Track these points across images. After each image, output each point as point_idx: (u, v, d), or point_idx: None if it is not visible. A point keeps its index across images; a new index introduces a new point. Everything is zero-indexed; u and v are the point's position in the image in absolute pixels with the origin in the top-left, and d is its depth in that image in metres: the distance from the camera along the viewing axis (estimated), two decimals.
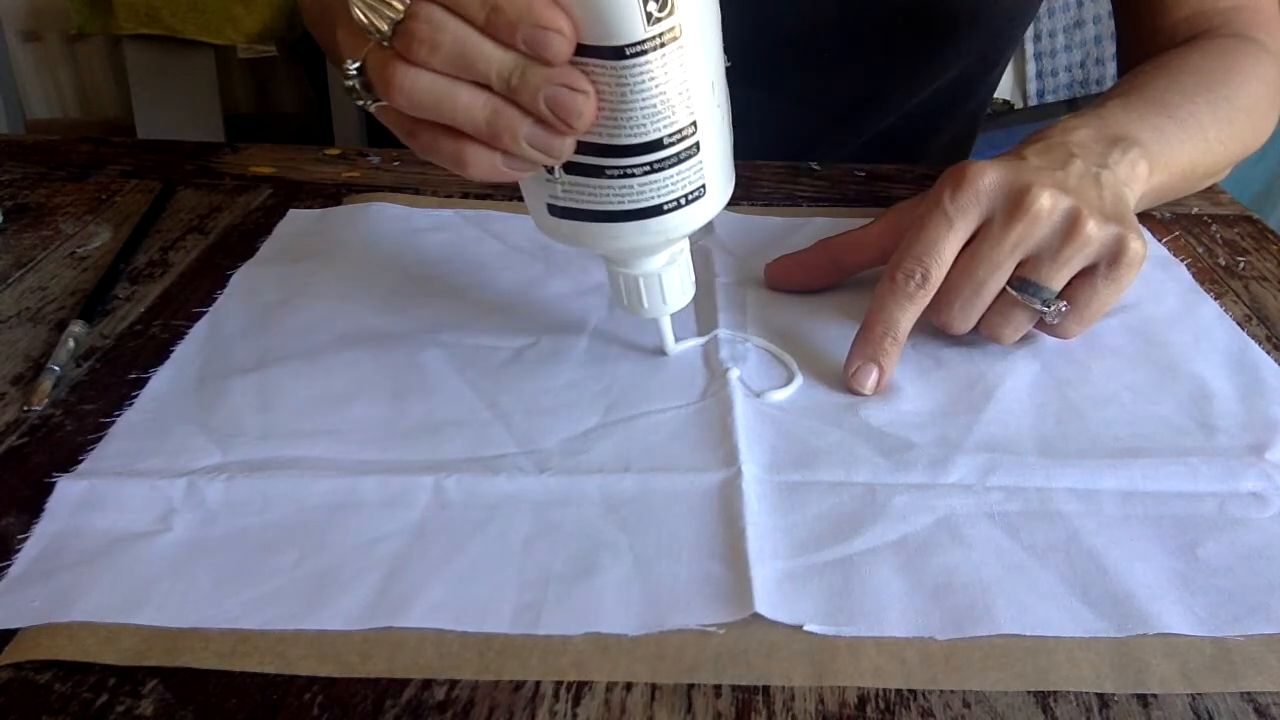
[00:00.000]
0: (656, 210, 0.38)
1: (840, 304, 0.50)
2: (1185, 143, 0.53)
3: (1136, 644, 0.32)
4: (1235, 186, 0.66)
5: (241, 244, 0.56)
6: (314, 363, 0.45)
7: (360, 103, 0.37)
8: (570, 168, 0.37)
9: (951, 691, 0.31)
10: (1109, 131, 0.48)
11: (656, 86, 0.34)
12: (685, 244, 0.43)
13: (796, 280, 0.51)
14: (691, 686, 0.31)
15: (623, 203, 0.37)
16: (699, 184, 0.38)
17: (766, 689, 0.31)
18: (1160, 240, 0.57)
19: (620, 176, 0.37)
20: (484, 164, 0.36)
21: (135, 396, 0.43)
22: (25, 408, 0.42)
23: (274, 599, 0.33)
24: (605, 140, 0.36)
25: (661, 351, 0.46)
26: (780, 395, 0.43)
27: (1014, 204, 0.42)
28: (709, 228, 0.53)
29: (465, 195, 0.61)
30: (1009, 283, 0.43)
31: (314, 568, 0.35)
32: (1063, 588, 0.34)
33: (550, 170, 0.37)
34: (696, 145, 0.37)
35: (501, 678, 0.31)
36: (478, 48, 0.33)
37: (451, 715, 0.30)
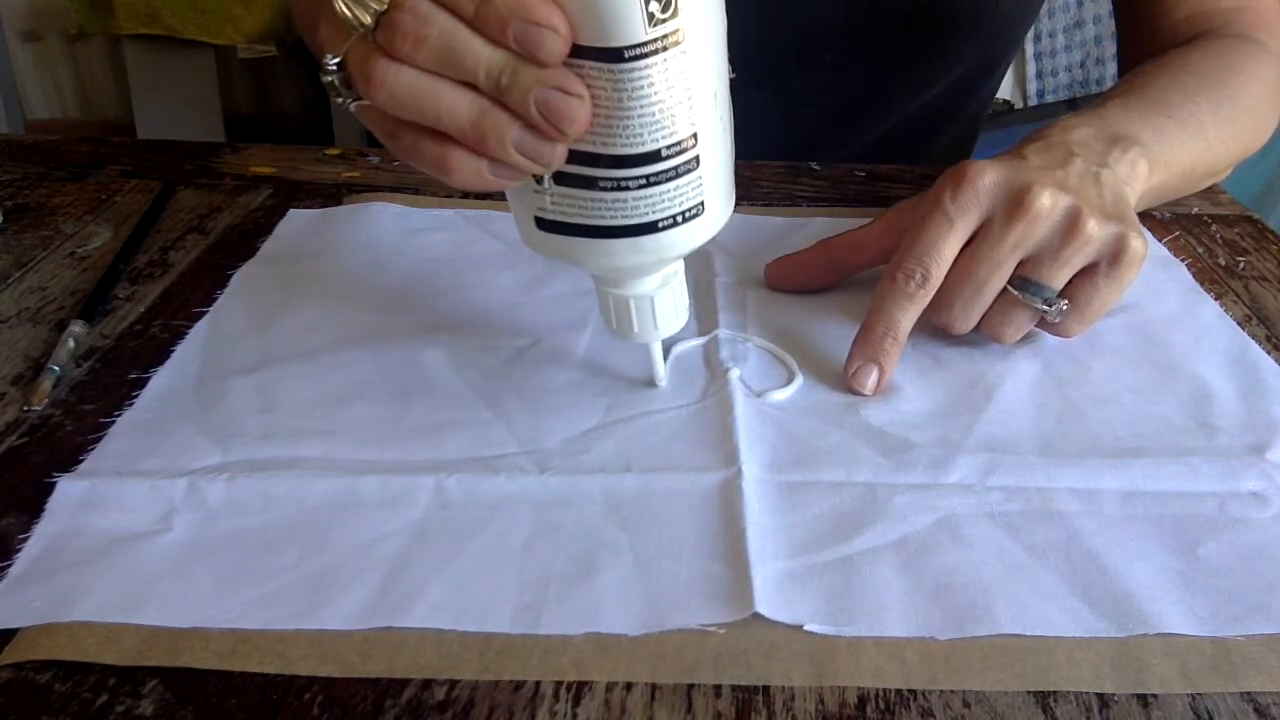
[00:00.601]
0: (651, 227, 0.35)
1: (840, 304, 0.50)
2: (1186, 142, 0.53)
3: (1137, 644, 0.32)
4: (1235, 186, 0.66)
5: (241, 244, 0.56)
6: (315, 362, 0.45)
7: (340, 100, 0.35)
8: (560, 178, 0.35)
9: (951, 691, 0.31)
10: (1109, 130, 0.48)
11: (656, 94, 0.32)
12: (680, 265, 0.40)
13: (796, 280, 0.51)
14: (691, 686, 0.31)
15: (615, 218, 0.35)
16: (697, 201, 0.36)
17: (766, 689, 0.31)
18: (1160, 240, 0.57)
19: (614, 189, 0.34)
20: (468, 170, 0.34)
21: (135, 396, 0.43)
22: (25, 408, 0.42)
23: (275, 599, 0.33)
24: (599, 149, 0.34)
25: (650, 382, 0.44)
26: (781, 395, 0.43)
27: (1014, 203, 0.42)
28: None
29: (465, 195, 0.61)
30: (1010, 282, 0.43)
31: (314, 568, 0.35)
32: (1063, 588, 0.34)
33: (539, 180, 0.35)
34: (696, 159, 0.35)
35: (501, 678, 0.31)
36: (466, 44, 0.32)
37: (451, 715, 0.30)
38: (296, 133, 2.17)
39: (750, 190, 0.63)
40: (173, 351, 0.46)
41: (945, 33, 0.68)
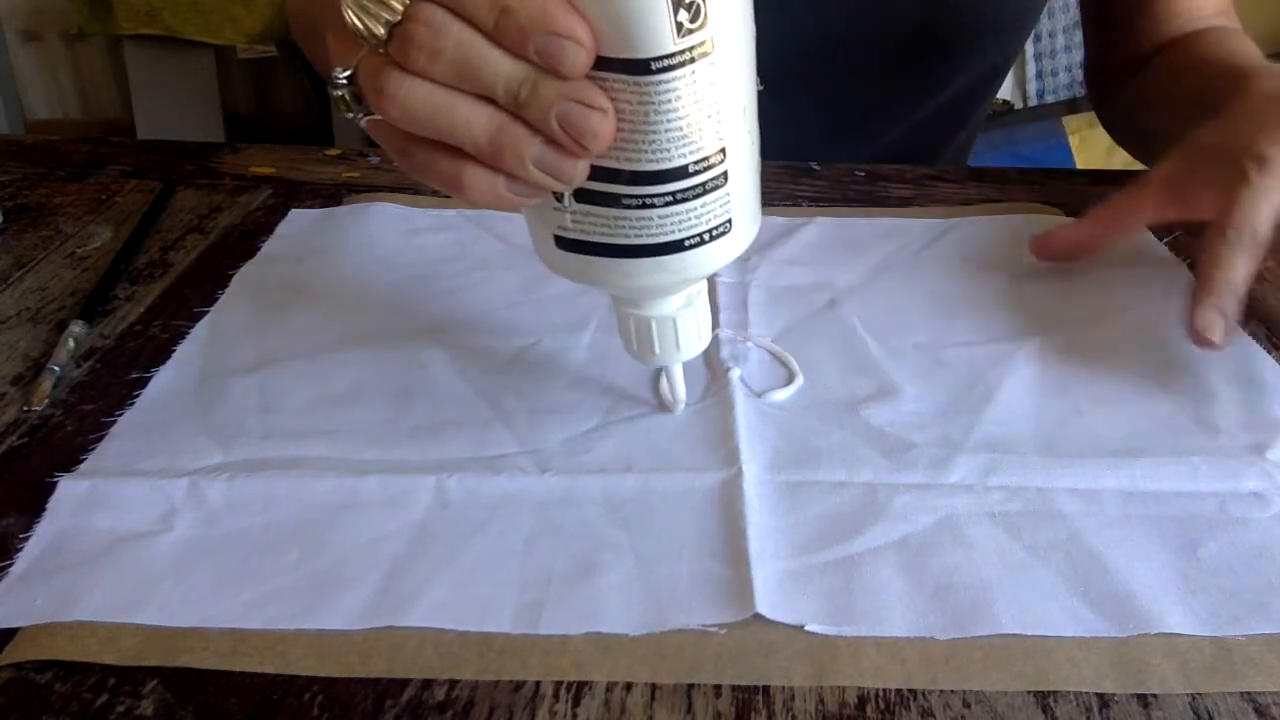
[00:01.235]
0: (677, 246, 0.34)
1: (840, 303, 0.50)
2: None
3: (1137, 644, 0.32)
4: None
5: (241, 244, 0.56)
6: (315, 363, 0.45)
7: (351, 116, 0.33)
8: (582, 195, 0.33)
9: (951, 691, 0.31)
10: None
11: (684, 107, 0.31)
12: (704, 285, 0.39)
13: (1083, 250, 0.51)
14: (691, 686, 0.31)
15: (640, 236, 0.34)
16: (725, 219, 0.34)
17: (766, 689, 0.31)
18: (1161, 240, 0.57)
19: (638, 207, 0.33)
20: (484, 187, 0.32)
21: (135, 396, 0.43)
22: (25, 408, 0.42)
23: (275, 599, 0.33)
24: (623, 165, 0.32)
25: (666, 408, 0.42)
26: (781, 395, 0.43)
27: None
28: None
29: None
30: None
31: (315, 567, 0.35)
32: (1064, 587, 0.34)
33: (559, 197, 0.34)
34: (724, 175, 0.33)
35: (501, 678, 0.31)
36: (483, 56, 0.30)
37: (451, 715, 0.30)
38: (296, 133, 2.17)
39: None
40: (173, 351, 0.46)
41: (952, 43, 0.69)
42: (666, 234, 0.34)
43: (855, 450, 0.40)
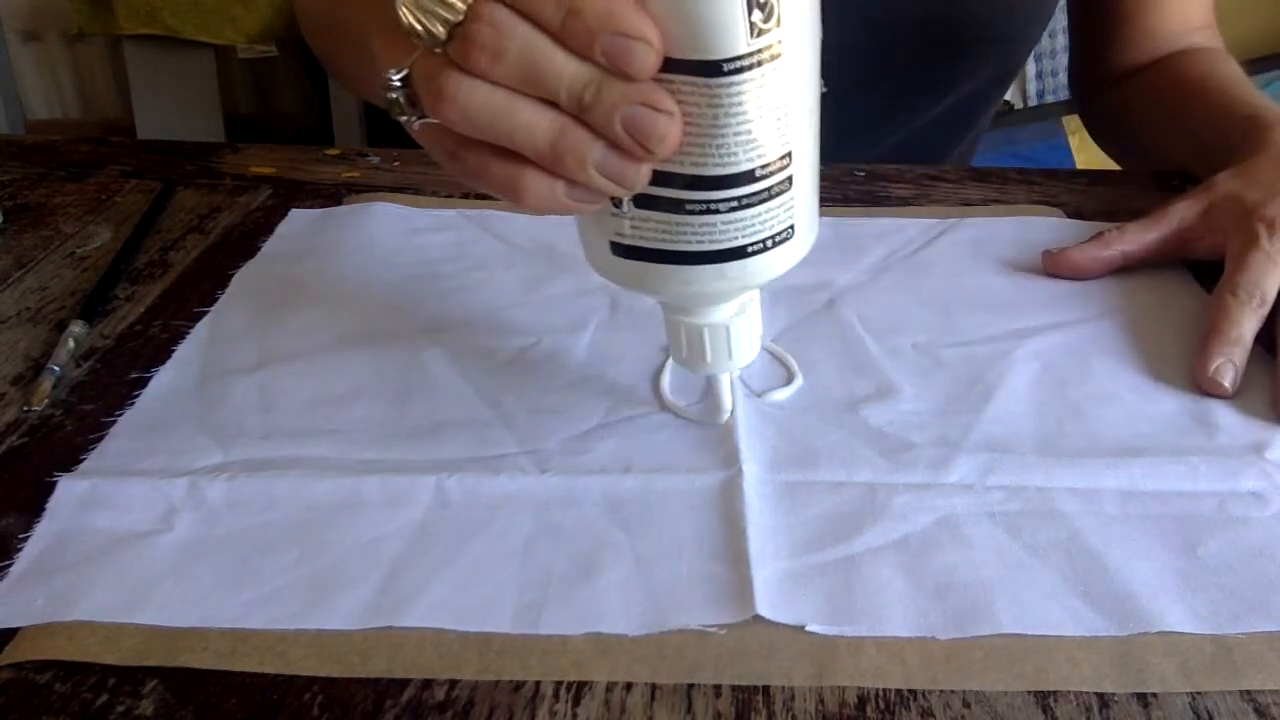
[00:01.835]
0: (739, 253, 0.33)
1: (838, 304, 0.50)
2: None
3: (1136, 643, 0.32)
4: None
5: (241, 244, 0.56)
6: (316, 362, 0.45)
7: (404, 118, 0.32)
8: (642, 201, 0.32)
9: (951, 691, 0.31)
10: None
11: (753, 110, 0.30)
12: (756, 292, 0.38)
13: (1090, 272, 0.52)
14: (691, 686, 0.31)
15: (702, 243, 0.33)
16: (788, 224, 0.33)
17: (766, 689, 0.31)
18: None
19: (702, 212, 0.32)
20: (541, 193, 0.31)
21: (135, 396, 0.43)
22: (25, 408, 0.42)
23: (275, 598, 0.33)
24: (688, 170, 0.31)
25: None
26: (781, 395, 0.43)
27: None
28: None
29: (466, 195, 0.61)
30: None
31: (315, 567, 0.35)
32: (1064, 587, 0.34)
33: (617, 203, 0.33)
34: (790, 179, 0.32)
35: (501, 678, 0.31)
36: (548, 58, 0.29)
37: (451, 715, 0.30)
38: (296, 133, 2.17)
39: None
40: (173, 351, 0.46)
41: (960, 49, 0.69)
42: (729, 240, 0.33)
43: (855, 450, 0.40)
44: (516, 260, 0.54)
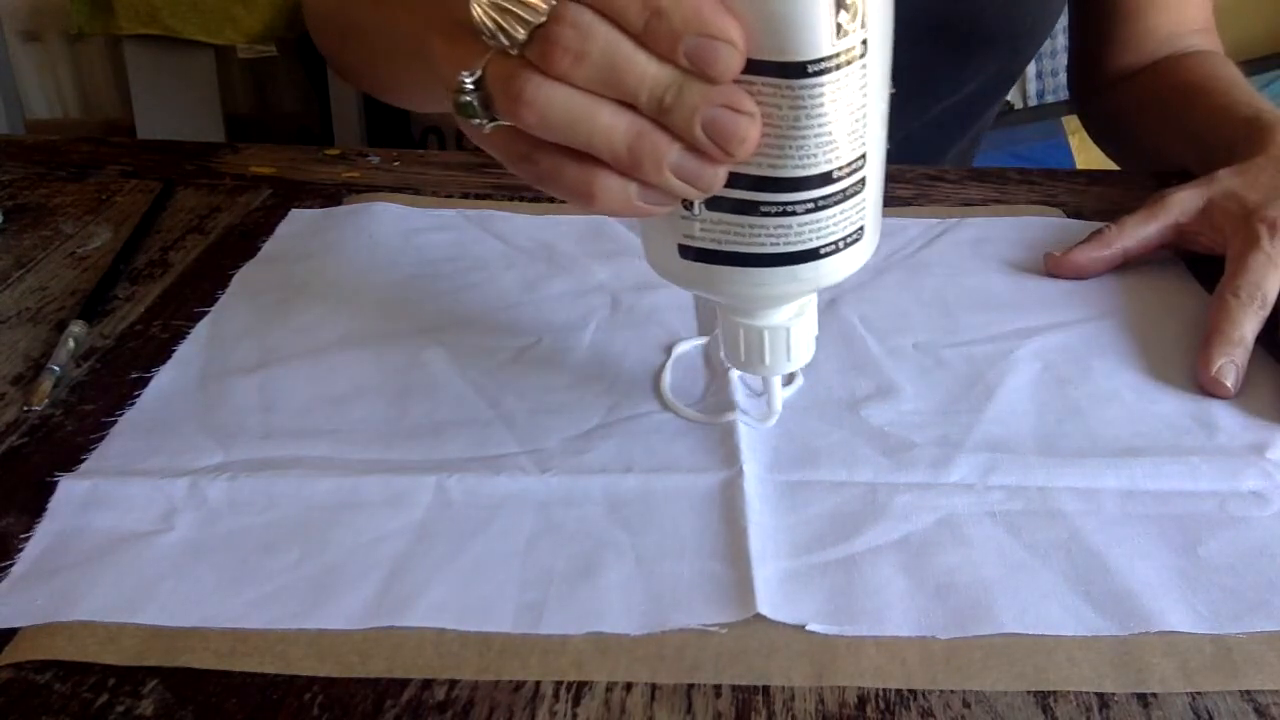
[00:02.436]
0: (812, 254, 0.33)
1: (837, 304, 0.50)
2: None
3: (1136, 643, 0.32)
4: None
5: (241, 244, 0.56)
6: (316, 362, 0.45)
7: (476, 122, 0.31)
8: (715, 203, 0.32)
9: (951, 691, 0.31)
10: None
11: (834, 110, 0.30)
12: (814, 294, 0.38)
13: (1090, 271, 0.52)
14: (691, 686, 0.31)
15: (776, 245, 0.32)
16: (858, 225, 0.33)
17: (766, 689, 0.31)
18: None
19: (778, 214, 0.32)
20: (615, 196, 0.31)
21: (136, 396, 0.43)
22: (25, 408, 0.42)
23: (276, 598, 0.33)
24: (765, 172, 0.31)
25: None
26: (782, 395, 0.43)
27: None
28: None
29: (466, 195, 0.61)
30: None
31: (316, 567, 0.35)
32: (1064, 586, 0.34)
33: (688, 205, 0.32)
34: (863, 181, 0.32)
35: (501, 678, 0.31)
36: (630, 60, 0.29)
37: (451, 715, 0.30)
38: (296, 133, 2.17)
39: None
40: (173, 351, 0.46)
41: (968, 51, 0.69)
42: (804, 242, 0.33)
43: (855, 450, 0.40)
44: (516, 260, 0.54)
